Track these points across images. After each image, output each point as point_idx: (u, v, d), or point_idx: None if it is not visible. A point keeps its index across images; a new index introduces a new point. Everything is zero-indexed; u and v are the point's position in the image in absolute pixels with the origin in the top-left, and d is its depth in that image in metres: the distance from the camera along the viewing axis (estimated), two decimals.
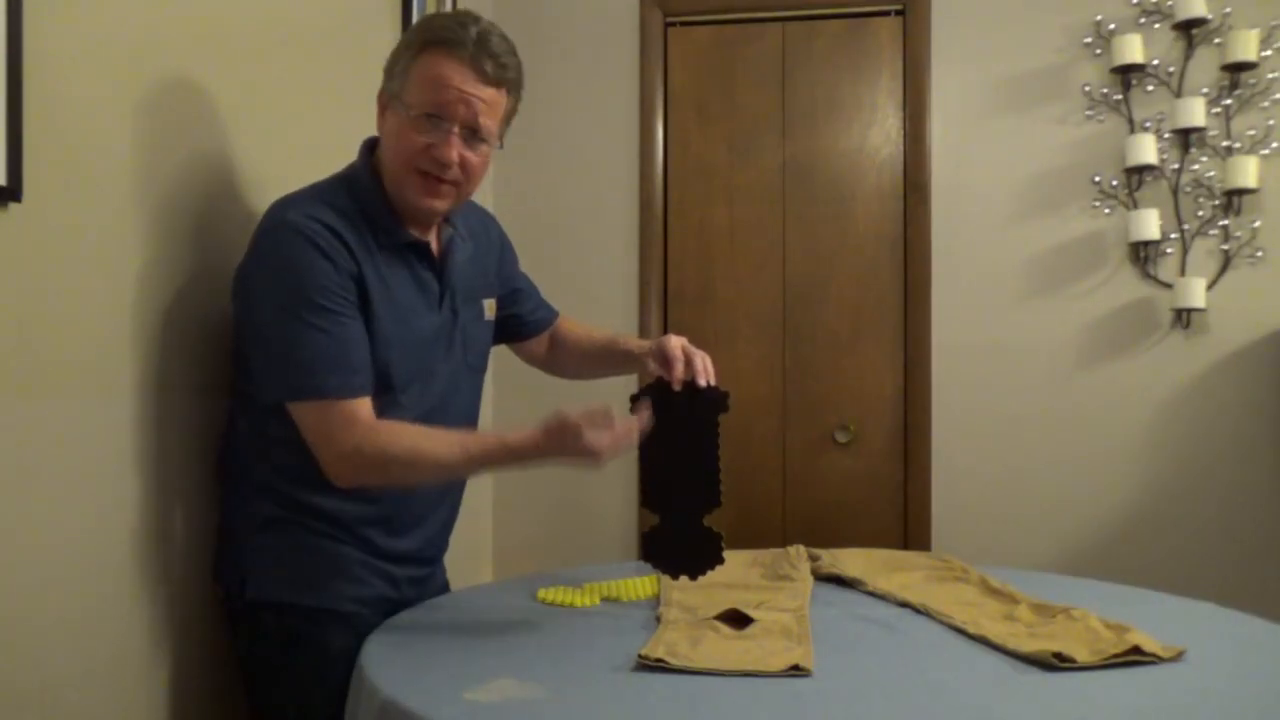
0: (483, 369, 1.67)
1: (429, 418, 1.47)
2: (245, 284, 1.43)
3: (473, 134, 1.42)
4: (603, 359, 1.78)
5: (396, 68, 1.44)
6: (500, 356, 1.83)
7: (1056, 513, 2.85)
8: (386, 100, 1.45)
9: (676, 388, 1.51)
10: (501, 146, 1.50)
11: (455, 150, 1.42)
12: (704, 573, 1.53)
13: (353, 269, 1.40)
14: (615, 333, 1.82)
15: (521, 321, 1.78)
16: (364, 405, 1.38)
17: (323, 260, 1.37)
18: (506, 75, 1.43)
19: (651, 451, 1.50)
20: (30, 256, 1.19)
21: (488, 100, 1.42)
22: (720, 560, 1.51)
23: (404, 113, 1.41)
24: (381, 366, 1.43)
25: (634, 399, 1.50)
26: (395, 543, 1.54)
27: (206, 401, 1.54)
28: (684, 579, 1.55)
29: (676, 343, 1.54)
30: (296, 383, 1.37)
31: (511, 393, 2.96)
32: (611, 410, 1.33)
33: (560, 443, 1.32)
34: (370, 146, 1.51)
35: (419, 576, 1.61)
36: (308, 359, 1.35)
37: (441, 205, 1.47)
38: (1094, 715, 1.08)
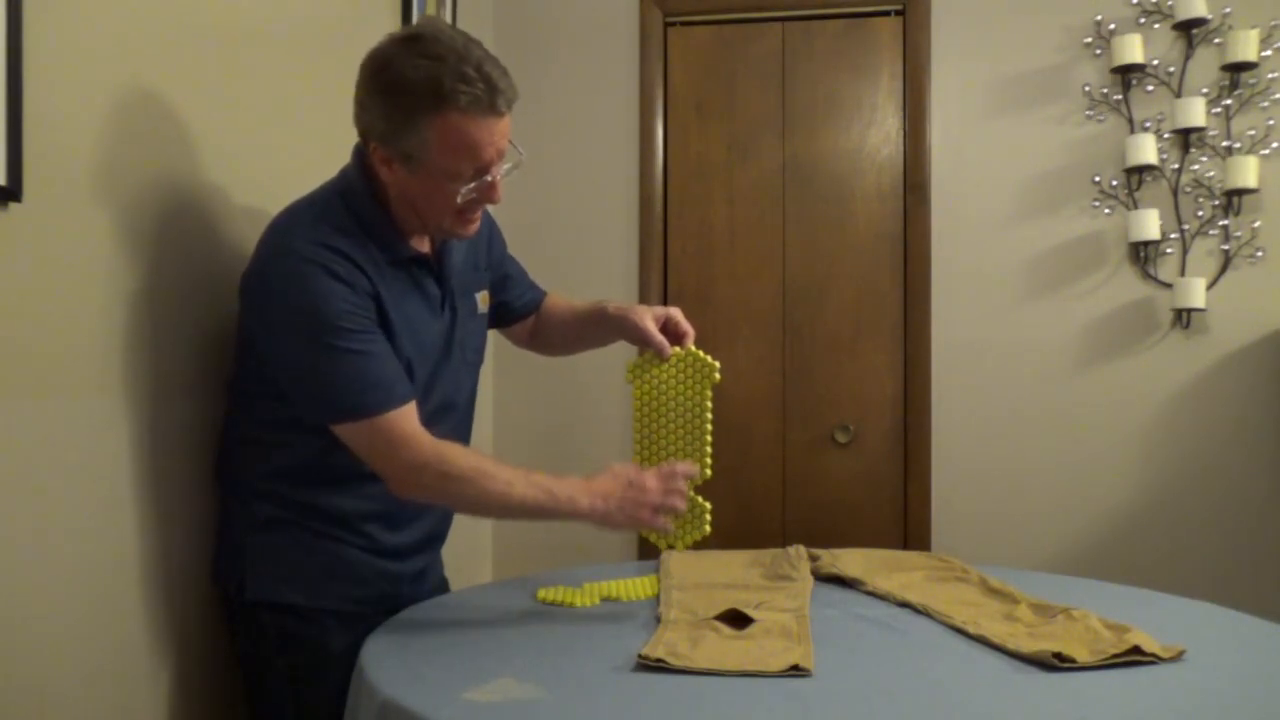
0: (480, 363, 1.67)
1: (435, 418, 1.47)
2: (258, 305, 1.41)
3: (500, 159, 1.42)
4: (586, 332, 1.76)
5: (397, 125, 1.34)
6: (500, 351, 1.83)
7: (1056, 513, 2.85)
8: (393, 157, 1.37)
9: (665, 358, 1.55)
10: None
11: (500, 188, 1.42)
12: (689, 543, 1.53)
13: (370, 289, 1.40)
14: (595, 302, 1.74)
15: (510, 308, 1.78)
16: (410, 414, 1.39)
17: (340, 285, 1.36)
18: (513, 96, 1.39)
19: (644, 421, 1.55)
20: (30, 256, 1.19)
21: (506, 127, 1.40)
22: (707, 531, 1.52)
23: (429, 177, 1.37)
24: None
25: (631, 367, 1.56)
26: (396, 536, 1.54)
27: (205, 401, 1.54)
28: (683, 574, 1.55)
29: (649, 317, 1.57)
30: (340, 406, 1.37)
31: (512, 394, 2.97)
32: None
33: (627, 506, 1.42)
34: (361, 152, 1.46)
35: (419, 570, 1.61)
36: (346, 383, 1.35)
37: (478, 227, 1.49)
38: (1094, 715, 1.08)
